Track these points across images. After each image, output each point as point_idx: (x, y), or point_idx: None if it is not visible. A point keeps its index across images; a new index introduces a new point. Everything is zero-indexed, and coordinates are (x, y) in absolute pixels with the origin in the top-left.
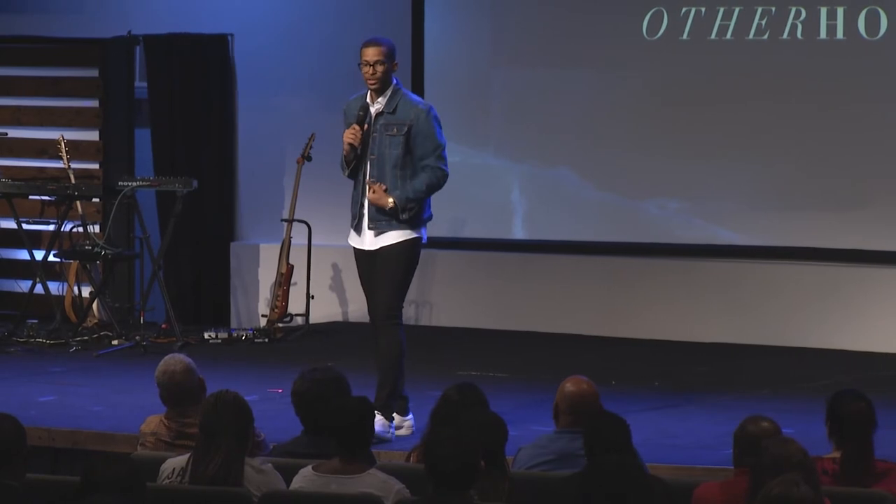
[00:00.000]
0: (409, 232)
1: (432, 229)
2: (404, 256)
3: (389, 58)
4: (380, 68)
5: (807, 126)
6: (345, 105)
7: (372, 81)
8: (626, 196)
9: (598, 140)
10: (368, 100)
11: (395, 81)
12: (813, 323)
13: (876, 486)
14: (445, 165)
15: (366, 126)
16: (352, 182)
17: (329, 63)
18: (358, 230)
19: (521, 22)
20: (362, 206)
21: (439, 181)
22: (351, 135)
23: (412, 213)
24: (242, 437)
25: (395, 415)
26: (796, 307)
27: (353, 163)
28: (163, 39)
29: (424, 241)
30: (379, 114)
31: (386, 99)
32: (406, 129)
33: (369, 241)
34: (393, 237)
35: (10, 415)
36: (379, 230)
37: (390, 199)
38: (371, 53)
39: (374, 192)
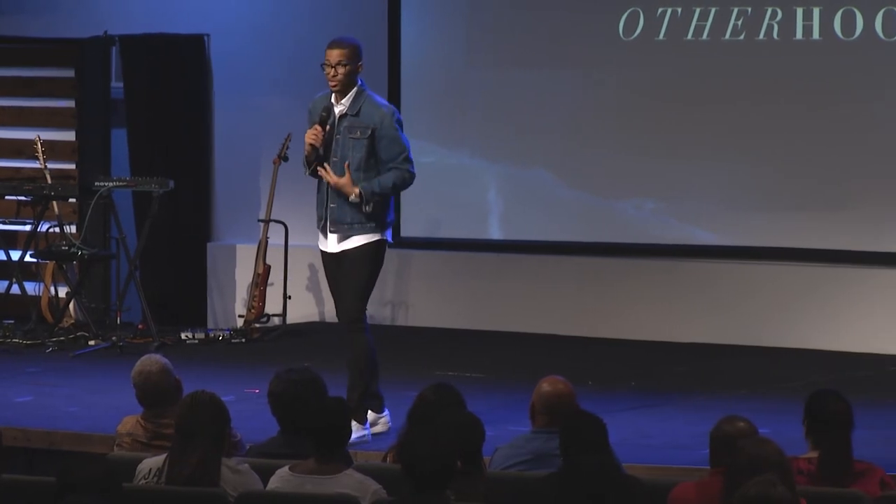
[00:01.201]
0: (371, 235)
1: (408, 229)
2: (367, 259)
3: (353, 59)
4: (341, 70)
5: (783, 126)
6: (310, 104)
7: (333, 83)
8: (603, 196)
9: (575, 140)
10: (333, 100)
11: (359, 82)
12: (790, 323)
13: (853, 486)
14: (413, 168)
15: (328, 127)
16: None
17: (305, 63)
18: (324, 232)
19: (498, 22)
20: (326, 208)
21: (405, 181)
22: (312, 135)
23: (376, 208)
24: (219, 437)
25: (369, 412)
26: (774, 307)
27: (315, 164)
28: (139, 40)
29: (390, 241)
30: (342, 115)
31: (350, 100)
32: (370, 132)
33: (333, 243)
34: (356, 241)
35: None
36: (341, 234)
37: (357, 188)
38: (334, 55)
39: (341, 178)
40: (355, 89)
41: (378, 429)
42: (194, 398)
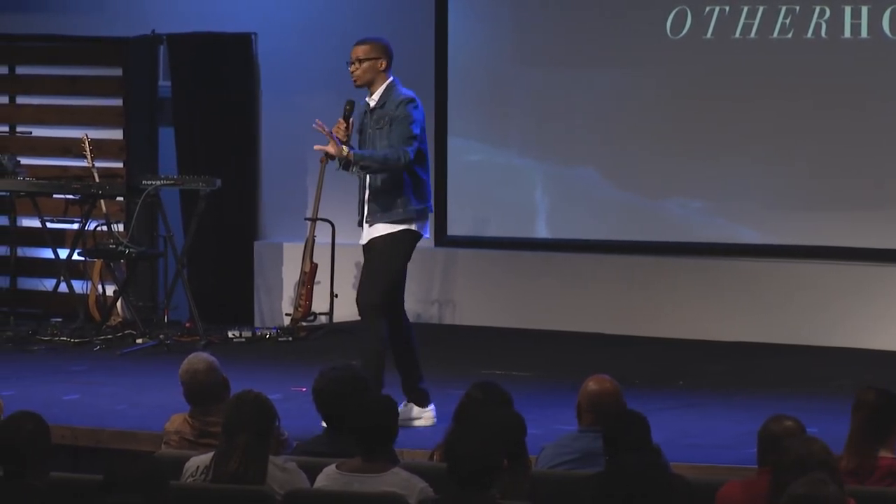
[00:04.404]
0: (395, 225)
1: (454, 228)
2: (388, 248)
3: (374, 55)
4: (361, 65)
5: (830, 125)
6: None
7: (353, 78)
8: (648, 195)
9: (621, 139)
10: (367, 98)
11: (390, 77)
12: (835, 322)
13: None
14: (410, 151)
15: (351, 121)
16: None
17: None
18: (361, 226)
19: (544, 21)
20: (362, 202)
21: (398, 160)
22: (335, 129)
23: (395, 196)
24: (265, 435)
25: (413, 406)
26: (819, 306)
27: (343, 160)
28: (186, 38)
29: (426, 235)
30: (372, 109)
31: (378, 95)
32: (389, 121)
33: (366, 236)
34: (380, 230)
35: (36, 413)
36: (372, 221)
37: (344, 148)
38: (354, 51)
39: (332, 130)
40: (385, 84)
41: (423, 423)
42: (240, 397)
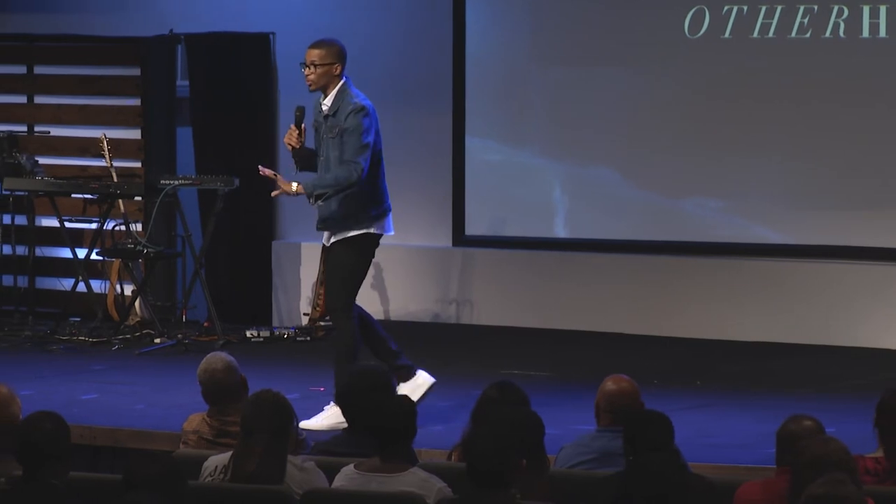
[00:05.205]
0: (352, 231)
1: (472, 227)
2: (350, 251)
3: (329, 60)
4: (315, 70)
5: (848, 125)
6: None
7: (308, 82)
8: (667, 194)
9: (639, 139)
10: (321, 101)
11: (344, 79)
12: (855, 322)
13: None
14: (362, 161)
15: (303, 126)
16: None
17: (370, 62)
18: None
19: (563, 20)
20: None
21: (349, 177)
22: (287, 137)
23: (352, 204)
24: (283, 435)
25: (402, 384)
26: (839, 306)
27: (300, 163)
28: (204, 38)
29: (389, 232)
30: (326, 116)
31: (331, 100)
32: (339, 133)
33: (326, 239)
34: (341, 234)
35: (55, 413)
36: (325, 228)
37: (294, 185)
38: (308, 54)
39: (283, 183)
40: (336, 89)
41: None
42: (259, 396)
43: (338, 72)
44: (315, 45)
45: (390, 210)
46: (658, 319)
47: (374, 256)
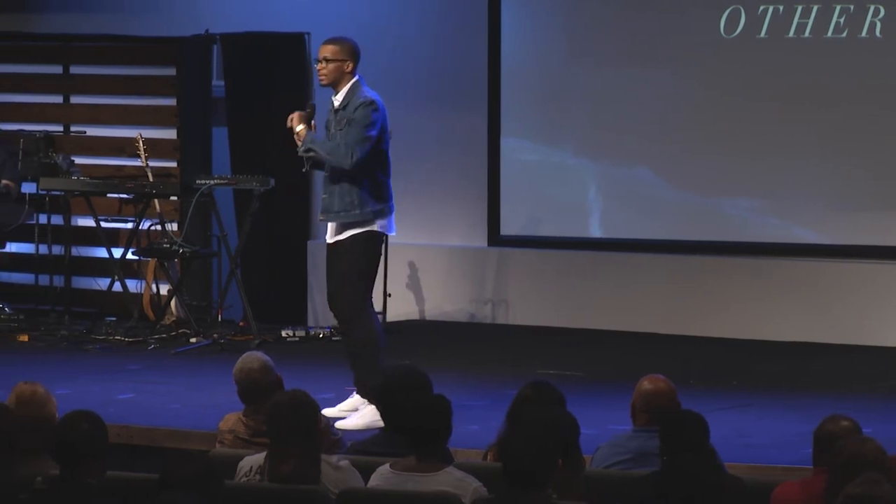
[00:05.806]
0: (356, 228)
1: (508, 227)
2: (354, 250)
3: (341, 57)
4: (328, 66)
5: (883, 125)
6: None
7: (319, 77)
8: (702, 194)
9: (675, 139)
10: (333, 97)
11: (356, 77)
12: (892, 321)
13: None
14: (359, 151)
15: (313, 123)
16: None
17: (405, 62)
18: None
19: (598, 21)
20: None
21: (343, 156)
22: (289, 119)
23: (356, 196)
24: (309, 433)
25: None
26: (875, 306)
27: (309, 162)
28: (240, 38)
29: (391, 232)
30: (337, 110)
31: (342, 95)
32: (347, 123)
33: (329, 234)
34: (343, 234)
35: (92, 412)
36: (326, 220)
37: (303, 127)
38: (321, 50)
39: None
40: (349, 85)
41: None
42: (276, 405)
43: (349, 69)
44: (328, 42)
45: (393, 210)
46: (693, 319)
47: (381, 254)
